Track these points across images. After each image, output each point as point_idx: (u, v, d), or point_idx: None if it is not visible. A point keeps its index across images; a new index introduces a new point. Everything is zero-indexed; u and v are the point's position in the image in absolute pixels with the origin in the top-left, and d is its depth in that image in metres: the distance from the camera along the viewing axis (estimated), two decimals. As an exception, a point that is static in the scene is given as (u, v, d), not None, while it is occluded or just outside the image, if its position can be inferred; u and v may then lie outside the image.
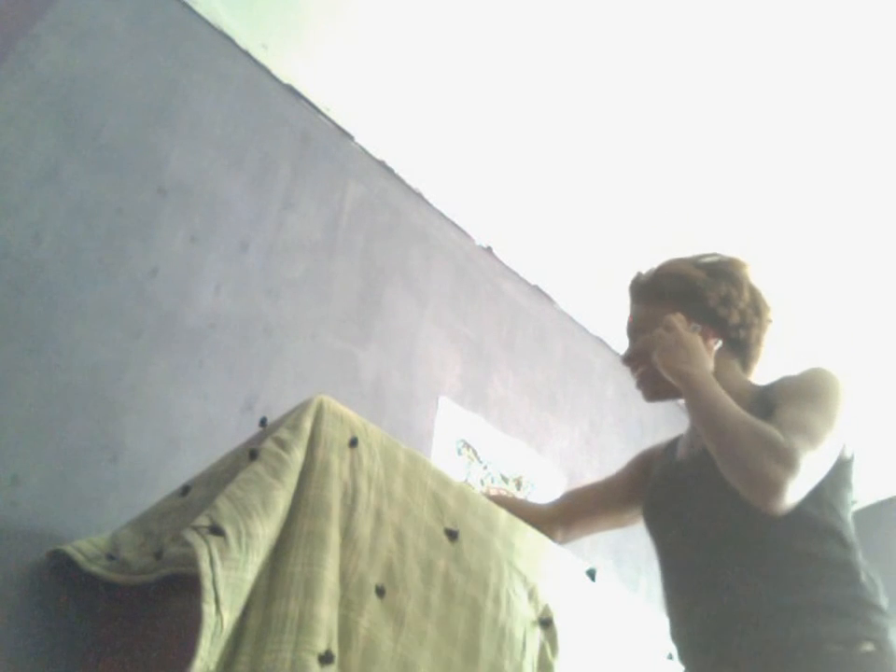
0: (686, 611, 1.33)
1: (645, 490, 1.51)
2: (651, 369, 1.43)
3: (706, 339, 1.41)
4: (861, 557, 1.26)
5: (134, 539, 1.46)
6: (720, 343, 1.43)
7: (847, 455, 1.32)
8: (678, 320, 1.40)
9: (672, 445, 1.55)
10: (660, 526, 1.44)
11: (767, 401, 1.32)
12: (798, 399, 1.27)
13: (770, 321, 1.49)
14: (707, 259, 1.52)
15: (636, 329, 1.52)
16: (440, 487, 1.39)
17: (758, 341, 1.47)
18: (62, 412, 1.69)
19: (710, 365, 1.36)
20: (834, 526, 1.26)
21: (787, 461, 1.13)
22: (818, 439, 1.20)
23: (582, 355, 3.04)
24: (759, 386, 1.42)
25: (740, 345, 1.46)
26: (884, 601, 1.23)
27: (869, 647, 1.15)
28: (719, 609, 1.27)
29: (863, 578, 1.23)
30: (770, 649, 1.19)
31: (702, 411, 1.27)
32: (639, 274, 1.57)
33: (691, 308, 1.44)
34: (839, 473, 1.29)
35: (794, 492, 1.14)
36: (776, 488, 1.13)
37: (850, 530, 1.28)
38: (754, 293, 1.48)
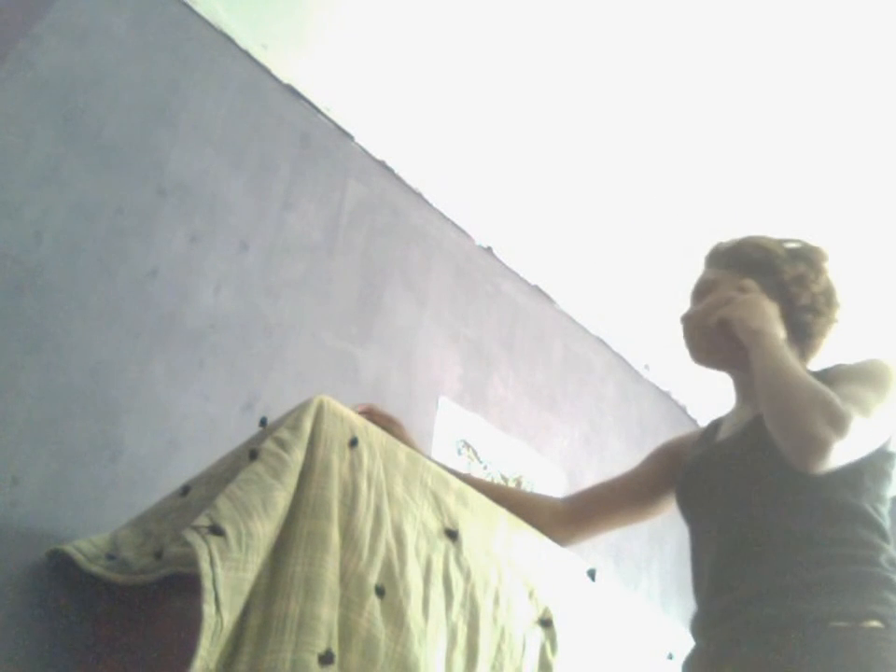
0: (713, 591, 1.32)
1: (677, 475, 1.51)
2: (706, 329, 1.42)
3: None
4: (889, 542, 1.26)
5: (134, 539, 1.46)
6: None
7: (892, 449, 1.32)
8: (752, 285, 1.41)
9: (709, 432, 1.54)
10: (693, 506, 1.44)
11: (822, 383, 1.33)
12: (853, 380, 1.29)
13: (836, 321, 1.47)
14: (792, 244, 1.52)
15: (703, 290, 1.52)
16: (440, 487, 1.39)
17: (821, 333, 1.46)
18: (61, 412, 1.69)
19: (782, 333, 1.36)
20: (866, 511, 1.26)
21: (839, 424, 1.13)
22: (871, 412, 1.20)
23: (582, 355, 3.04)
24: (813, 372, 1.40)
25: (803, 331, 1.44)
26: None
27: (875, 623, 1.15)
28: (742, 588, 1.27)
29: (883, 559, 1.22)
30: (777, 626, 1.19)
31: (767, 368, 1.27)
32: (720, 242, 1.58)
33: (764, 280, 1.44)
34: (881, 465, 1.29)
35: (838, 455, 1.14)
36: (820, 448, 1.13)
37: (883, 519, 1.28)
38: (830, 285, 1.47)
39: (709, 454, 1.45)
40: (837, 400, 1.16)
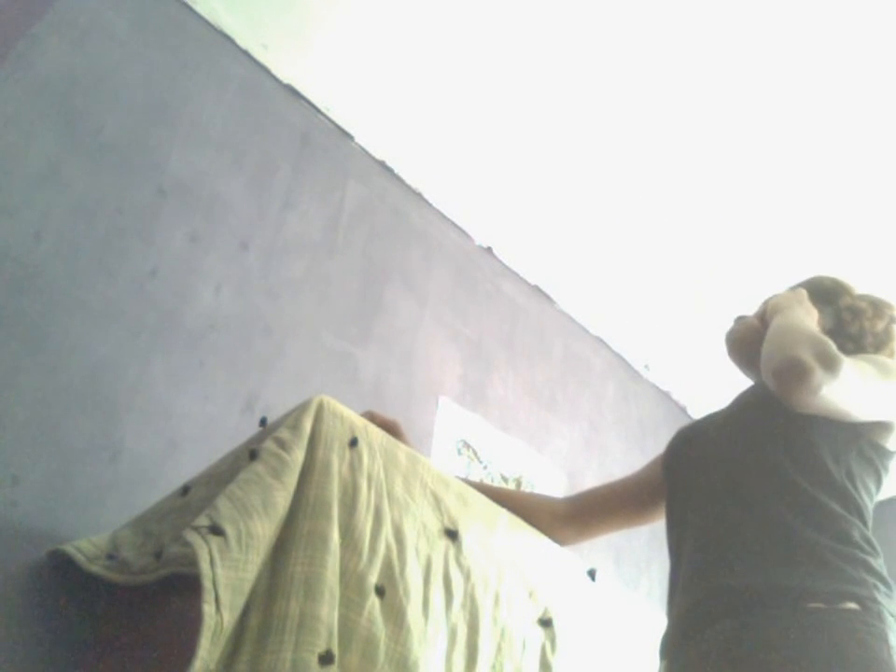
0: (692, 558, 1.32)
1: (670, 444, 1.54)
2: (750, 330, 1.46)
3: None
4: (865, 525, 1.26)
5: (134, 539, 1.46)
6: None
7: (890, 447, 1.33)
8: (803, 292, 1.45)
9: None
10: (676, 475, 1.45)
11: None
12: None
13: None
14: (867, 292, 1.55)
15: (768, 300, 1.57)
16: (440, 487, 1.39)
17: None
18: (61, 411, 1.69)
19: (812, 324, 1.37)
20: (847, 490, 1.26)
21: (826, 360, 1.16)
22: (865, 375, 1.23)
23: (582, 355, 3.04)
24: None
25: None
26: (878, 563, 1.21)
27: (851, 604, 1.13)
28: (720, 556, 1.26)
29: (857, 535, 1.22)
30: (753, 600, 1.17)
31: (781, 322, 1.30)
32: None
33: (821, 304, 1.47)
34: (867, 453, 1.30)
35: (821, 390, 1.16)
36: (802, 373, 1.15)
37: (862, 501, 1.28)
38: (889, 334, 1.49)
39: (699, 423, 1.49)
40: (835, 348, 1.18)
